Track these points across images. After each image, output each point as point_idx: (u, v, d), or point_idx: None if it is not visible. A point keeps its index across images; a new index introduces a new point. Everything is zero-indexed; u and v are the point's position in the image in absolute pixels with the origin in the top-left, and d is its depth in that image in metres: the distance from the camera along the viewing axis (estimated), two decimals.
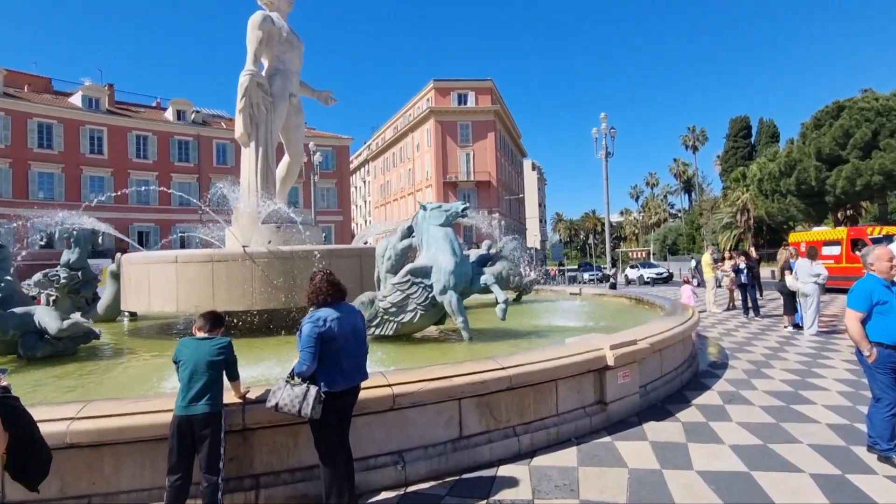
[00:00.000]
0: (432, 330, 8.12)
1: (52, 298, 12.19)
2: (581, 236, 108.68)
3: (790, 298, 11.23)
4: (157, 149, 45.98)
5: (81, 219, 11.24)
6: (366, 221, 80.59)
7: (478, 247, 16.07)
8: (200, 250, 8.93)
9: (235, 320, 8.83)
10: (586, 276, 44.13)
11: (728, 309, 14.91)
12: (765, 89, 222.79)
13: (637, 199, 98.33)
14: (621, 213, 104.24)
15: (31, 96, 42.51)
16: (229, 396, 3.63)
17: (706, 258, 15.66)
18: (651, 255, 71.11)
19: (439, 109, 53.19)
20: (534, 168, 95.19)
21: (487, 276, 7.56)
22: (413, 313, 7.26)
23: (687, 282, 15.05)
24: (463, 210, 7.63)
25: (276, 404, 3.37)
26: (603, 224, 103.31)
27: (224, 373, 3.48)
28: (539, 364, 4.66)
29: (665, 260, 65.60)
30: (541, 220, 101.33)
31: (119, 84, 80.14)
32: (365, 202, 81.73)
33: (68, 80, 46.51)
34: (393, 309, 7.26)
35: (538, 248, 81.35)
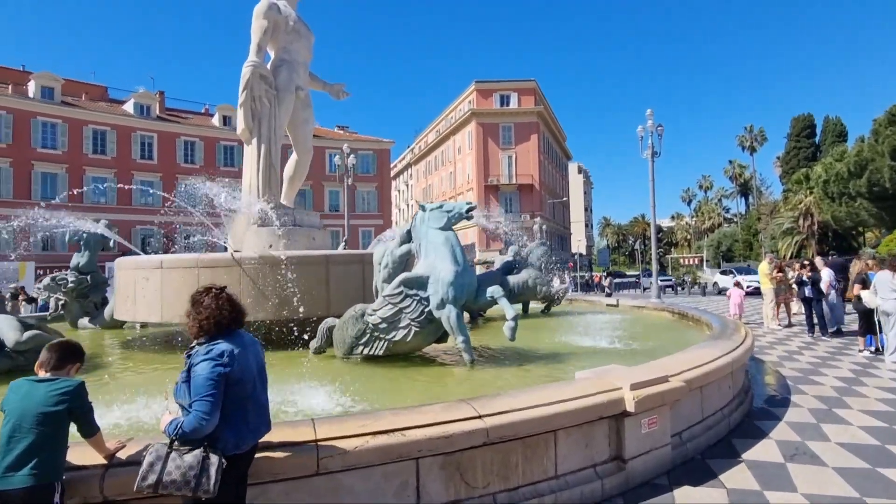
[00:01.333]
0: (444, 347, 7.06)
1: (60, 302, 11.90)
2: (630, 242, 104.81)
3: (866, 317, 9.55)
4: (203, 153, 47.04)
5: (87, 223, 10.86)
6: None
7: (501, 253, 14.97)
8: (186, 255, 8.25)
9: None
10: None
11: (787, 325, 13.13)
12: (829, 86, 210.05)
13: (689, 204, 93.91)
14: (672, 218, 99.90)
15: (87, 104, 44.20)
16: (90, 455, 2.73)
17: (763, 266, 13.91)
18: (704, 262, 67.54)
19: (481, 111, 52.15)
20: (579, 171, 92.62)
21: (495, 289, 6.45)
22: (406, 330, 6.25)
23: (738, 284, 13.40)
24: (467, 211, 6.55)
25: (159, 481, 2.42)
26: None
27: (75, 427, 2.58)
28: (531, 411, 3.54)
29: (720, 267, 62.06)
30: (587, 225, 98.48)
31: (170, 91, 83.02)
32: (407, 206, 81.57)
33: (123, 89, 48.26)
34: (383, 325, 6.28)
35: (583, 253, 78.93)
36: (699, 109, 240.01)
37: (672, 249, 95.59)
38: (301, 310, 7.59)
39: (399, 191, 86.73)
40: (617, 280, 57.69)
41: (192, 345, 2.75)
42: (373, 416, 3.35)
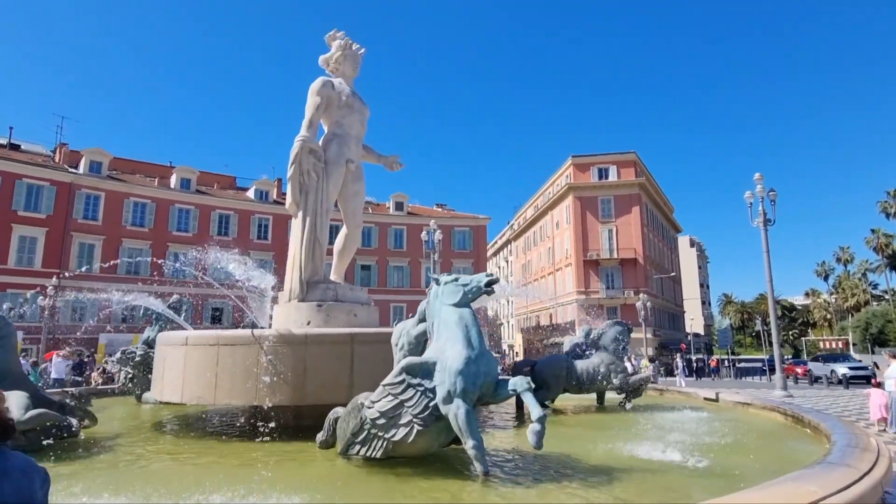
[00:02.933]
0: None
1: (129, 376, 12.20)
2: (756, 321, 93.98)
3: None
4: None
5: (149, 299, 11.20)
6: (508, 301, 79.02)
7: (570, 333, 13.34)
8: (209, 331, 7.96)
9: (244, 419, 7.49)
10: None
11: None
12: None
13: (826, 279, 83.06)
14: (807, 295, 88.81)
15: (218, 192, 49.70)
16: None
17: None
18: (850, 346, 58.21)
19: (578, 185, 51.11)
20: (692, 245, 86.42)
21: (519, 380, 5.21)
22: (408, 428, 5.16)
23: (878, 385, 10.57)
24: (487, 284, 5.51)
25: None
26: (783, 307, 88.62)
27: None
28: None
29: (871, 352, 52.81)
30: (703, 303, 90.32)
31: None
32: (508, 282, 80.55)
33: (249, 178, 53.94)
34: (381, 420, 5.25)
35: (700, 333, 71.84)
36: (830, 174, 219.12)
37: (809, 330, 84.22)
38: (314, 395, 6.83)
39: (499, 267, 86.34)
40: (740, 365, 51.14)
41: None
42: None
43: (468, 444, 4.92)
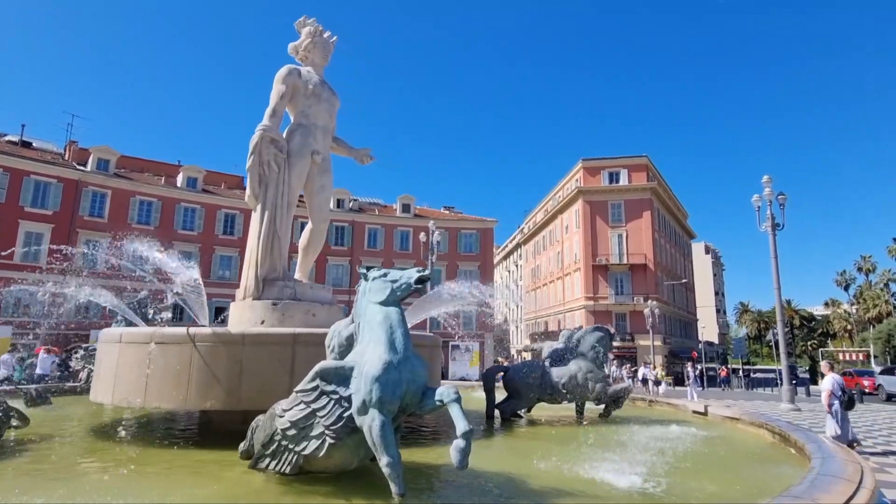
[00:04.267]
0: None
1: (91, 373, 11.77)
2: (774, 331, 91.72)
3: None
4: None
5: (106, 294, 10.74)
6: (517, 306, 78.14)
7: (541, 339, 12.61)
8: (143, 328, 7.43)
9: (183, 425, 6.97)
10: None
11: None
12: None
13: (846, 288, 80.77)
14: (826, 305, 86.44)
15: (224, 191, 49.69)
16: None
17: None
18: (871, 358, 56.34)
19: (588, 189, 50.21)
20: (707, 251, 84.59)
21: (446, 390, 4.60)
22: (319, 441, 4.56)
23: None
24: (417, 281, 4.90)
25: None
26: (801, 317, 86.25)
27: None
28: None
29: (893, 363, 50.93)
30: (718, 311, 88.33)
31: None
32: (517, 286, 79.61)
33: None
34: (292, 431, 4.66)
35: (714, 342, 70.24)
36: (850, 181, 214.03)
37: (828, 341, 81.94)
38: (250, 400, 6.29)
39: (509, 271, 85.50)
40: (754, 375, 49.72)
41: None
42: None
43: (382, 462, 4.30)
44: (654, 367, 35.37)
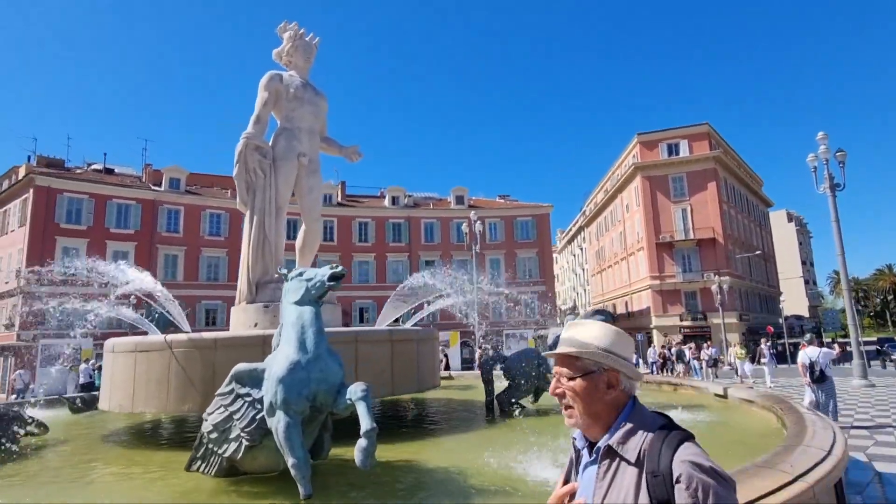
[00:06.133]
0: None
1: None
2: (876, 299, 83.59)
3: None
4: (374, 232, 51.05)
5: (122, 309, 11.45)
6: (584, 290, 76.14)
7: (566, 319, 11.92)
8: (129, 338, 7.84)
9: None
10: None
11: None
12: None
13: None
14: None
15: (205, 191, 49.56)
16: None
17: None
18: None
19: (645, 164, 47.83)
20: (790, 219, 78.18)
21: (353, 388, 4.50)
22: (237, 444, 4.64)
23: None
24: (331, 278, 4.83)
25: None
26: (893, 283, 77.97)
27: None
28: None
29: None
30: (807, 282, 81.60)
31: (355, 181, 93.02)
32: (583, 270, 77.54)
33: None
34: (214, 434, 4.76)
35: (803, 315, 65.02)
36: None
37: None
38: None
39: (574, 255, 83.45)
40: (850, 349, 45.65)
41: None
42: None
43: (288, 462, 4.30)
44: (731, 346, 33.10)
